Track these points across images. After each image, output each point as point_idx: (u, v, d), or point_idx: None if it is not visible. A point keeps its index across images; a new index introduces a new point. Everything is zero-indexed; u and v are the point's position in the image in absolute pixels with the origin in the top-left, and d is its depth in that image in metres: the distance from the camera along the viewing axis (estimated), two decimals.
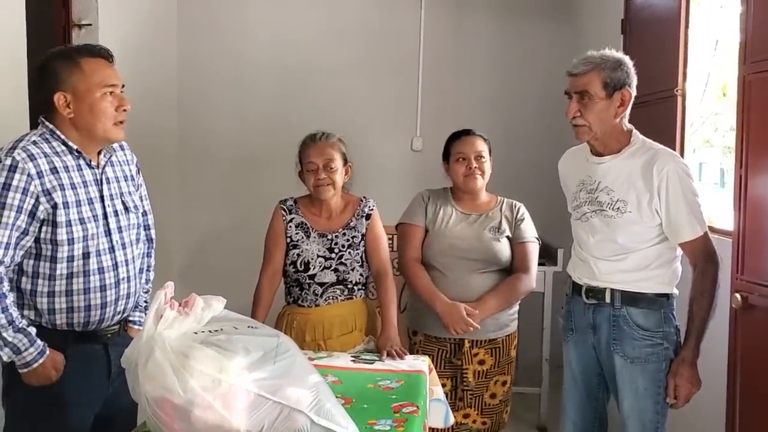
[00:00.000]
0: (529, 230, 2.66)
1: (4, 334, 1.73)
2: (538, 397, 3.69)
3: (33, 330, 1.79)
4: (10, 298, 1.76)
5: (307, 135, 2.54)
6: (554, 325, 3.66)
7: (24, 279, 1.82)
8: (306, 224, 2.52)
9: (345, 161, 2.52)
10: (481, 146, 2.63)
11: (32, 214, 1.76)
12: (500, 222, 2.62)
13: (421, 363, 2.27)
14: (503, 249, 2.59)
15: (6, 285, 1.75)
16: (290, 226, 2.51)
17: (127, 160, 2.07)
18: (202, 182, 4.34)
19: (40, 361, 1.78)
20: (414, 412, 1.86)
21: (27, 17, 2.54)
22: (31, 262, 1.81)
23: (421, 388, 2.06)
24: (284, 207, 2.55)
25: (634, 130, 2.16)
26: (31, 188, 1.75)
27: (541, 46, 4.32)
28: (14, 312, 1.76)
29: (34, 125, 2.53)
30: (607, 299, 2.15)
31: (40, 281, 1.82)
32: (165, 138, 4.02)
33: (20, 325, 1.76)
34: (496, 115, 4.21)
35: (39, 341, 1.79)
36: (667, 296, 2.12)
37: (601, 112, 2.08)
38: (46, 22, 3.06)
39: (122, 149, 2.06)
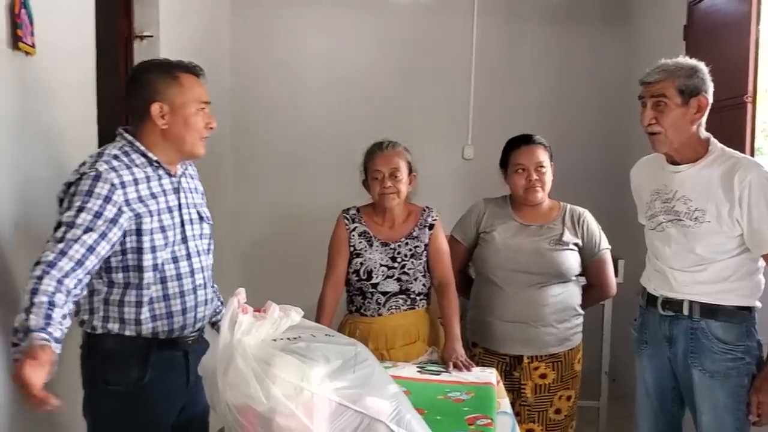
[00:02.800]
0: (598, 241, 2.60)
1: (36, 300, 1.58)
2: (597, 411, 3.61)
3: (60, 326, 1.59)
4: (70, 287, 1.65)
5: (373, 143, 2.53)
6: (614, 337, 3.60)
7: (114, 290, 1.83)
8: (369, 233, 2.50)
9: (410, 170, 2.50)
10: (542, 156, 2.55)
11: (114, 222, 1.75)
12: (562, 233, 2.55)
13: (489, 375, 2.23)
14: (565, 261, 2.53)
15: (70, 302, 1.65)
16: (353, 235, 2.50)
17: (194, 176, 2.10)
18: (254, 191, 4.37)
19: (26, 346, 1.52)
20: (488, 425, 1.84)
21: None
22: (120, 274, 1.82)
23: (492, 400, 2.03)
24: (347, 216, 2.54)
25: (712, 138, 2.10)
26: (114, 197, 1.75)
27: (597, 53, 4.26)
28: (63, 297, 1.62)
29: (101, 135, 2.59)
30: (685, 311, 2.09)
31: (129, 291, 1.82)
32: (219, 148, 4.04)
33: (58, 306, 1.59)
34: (549, 123, 4.12)
35: (48, 335, 1.54)
36: (749, 309, 2.05)
37: (678, 119, 2.03)
38: (110, 34, 3.10)
39: (191, 164, 2.09)
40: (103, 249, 1.74)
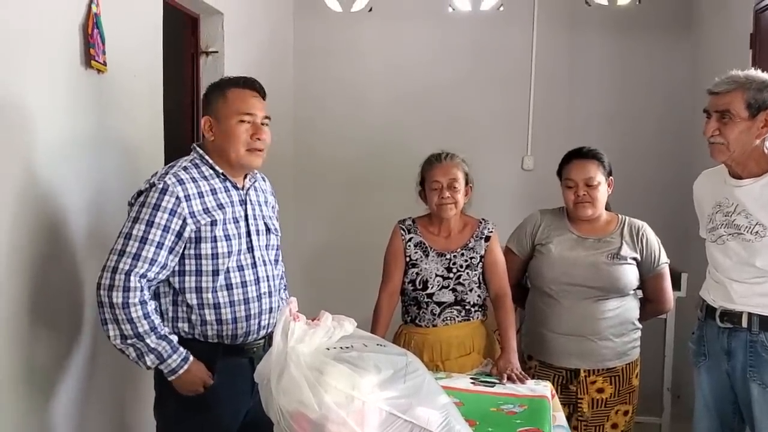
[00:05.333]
0: (657, 255, 2.55)
1: (147, 340, 1.81)
2: (659, 428, 3.51)
3: (175, 338, 1.87)
4: (152, 306, 1.85)
5: (431, 154, 2.55)
6: (677, 352, 3.50)
7: (179, 294, 1.92)
8: (424, 243, 2.52)
9: (467, 182, 2.52)
10: (593, 171, 2.49)
11: (179, 234, 1.85)
12: (620, 247, 2.50)
13: (543, 388, 2.21)
14: (623, 276, 2.47)
15: (147, 294, 1.83)
16: (409, 246, 2.52)
17: (266, 190, 2.17)
18: (315, 203, 4.45)
19: (185, 367, 1.86)
20: None
21: None
22: (177, 278, 1.90)
23: (545, 413, 2.01)
24: (403, 227, 2.56)
25: None
26: (179, 210, 1.85)
27: (660, 62, 4.16)
28: (156, 319, 1.84)
29: (168, 149, 2.70)
30: (744, 323, 2.05)
31: (188, 295, 1.90)
32: (282, 160, 4.14)
33: (162, 332, 1.84)
34: (612, 133, 4.07)
35: (181, 349, 1.87)
36: None
37: (742, 133, 1.99)
38: (178, 50, 3.23)
39: (264, 180, 2.18)
40: (173, 262, 1.87)
